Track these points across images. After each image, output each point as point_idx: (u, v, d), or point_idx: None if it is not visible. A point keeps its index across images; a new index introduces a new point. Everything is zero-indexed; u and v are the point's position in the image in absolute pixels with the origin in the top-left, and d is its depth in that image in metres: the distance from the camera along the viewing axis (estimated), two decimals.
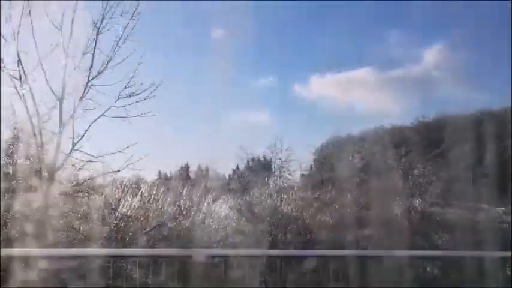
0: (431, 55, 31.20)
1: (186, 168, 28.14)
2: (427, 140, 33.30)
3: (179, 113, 27.71)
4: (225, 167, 25.96)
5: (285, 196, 12.50)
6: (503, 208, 18.94)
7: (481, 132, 26.52)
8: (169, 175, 25.04)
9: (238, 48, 17.99)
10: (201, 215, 10.65)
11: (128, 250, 8.39)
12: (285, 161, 22.68)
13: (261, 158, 26.29)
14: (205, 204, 11.15)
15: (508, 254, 7.45)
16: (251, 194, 13.18)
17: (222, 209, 12.00)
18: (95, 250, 8.19)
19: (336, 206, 12.37)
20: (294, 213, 11.79)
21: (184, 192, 11.08)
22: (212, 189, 15.59)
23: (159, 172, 26.01)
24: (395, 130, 31.97)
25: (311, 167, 26.70)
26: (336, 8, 22.35)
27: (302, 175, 24.08)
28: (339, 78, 30.85)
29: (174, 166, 24.31)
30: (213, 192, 14.62)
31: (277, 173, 22.19)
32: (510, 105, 22.80)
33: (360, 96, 31.59)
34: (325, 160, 27.59)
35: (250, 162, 27.48)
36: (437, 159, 29.78)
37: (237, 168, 27.30)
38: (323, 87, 31.83)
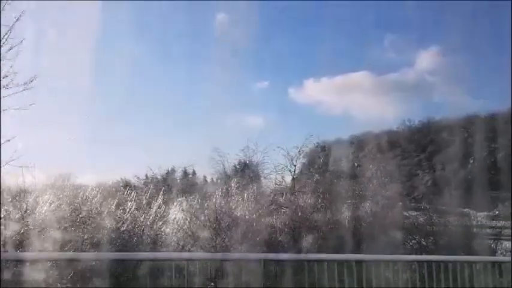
0: (426, 59, 31.15)
1: (172, 172, 28.40)
2: (414, 144, 33.20)
3: (173, 116, 28.18)
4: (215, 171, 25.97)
5: (240, 199, 12.54)
6: (486, 212, 18.65)
7: (468, 137, 26.34)
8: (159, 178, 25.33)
9: (235, 52, 18.27)
10: (147, 218, 10.72)
11: (129, 254, 8.47)
12: (256, 164, 22.82)
13: (247, 161, 26.42)
14: (154, 208, 11.21)
15: (508, 259, 7.41)
16: (212, 197, 13.21)
17: (172, 212, 12.06)
18: (96, 254, 8.36)
19: (287, 209, 12.40)
20: (246, 216, 11.83)
21: (132, 196, 11.14)
22: (177, 193, 15.75)
23: (146, 175, 26.38)
24: (383, 134, 31.95)
25: (301, 170, 26.75)
26: (333, 12, 22.50)
27: (293, 178, 24.11)
28: (334, 82, 30.99)
29: (161, 169, 24.50)
30: (177, 196, 14.77)
31: (250, 175, 22.30)
32: (510, 106, 22.59)
33: (354, 100, 31.67)
34: (311, 164, 27.59)
35: (237, 166, 27.58)
36: (423, 162, 29.66)
37: (224, 171, 27.32)
38: (318, 91, 32.05)
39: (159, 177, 22.91)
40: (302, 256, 7.97)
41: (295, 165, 19.42)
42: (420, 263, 7.25)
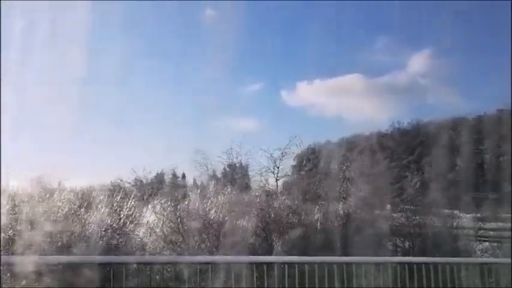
0: (418, 62, 31.21)
1: (160, 174, 28.34)
2: (404, 146, 33.11)
3: (165, 118, 28.21)
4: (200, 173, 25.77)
5: (214, 200, 12.49)
6: (474, 214, 18.54)
7: (456, 139, 26.28)
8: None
9: (227, 54, 18.28)
10: (113, 221, 10.67)
11: (124, 257, 8.38)
12: (245, 166, 22.80)
13: (237, 164, 26.36)
14: (124, 211, 11.15)
15: (508, 260, 7.37)
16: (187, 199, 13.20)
17: (146, 215, 12.01)
18: (97, 257, 8.28)
19: (262, 211, 12.32)
20: (220, 219, 11.78)
21: (102, 199, 11.08)
22: (158, 196, 15.65)
23: (135, 179, 26.27)
24: (373, 136, 31.90)
25: (292, 172, 26.74)
26: (325, 14, 22.52)
27: (276, 180, 24.05)
28: (326, 85, 31.08)
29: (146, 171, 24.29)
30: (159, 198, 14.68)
31: (235, 177, 22.29)
32: (510, 107, 22.58)
33: (346, 103, 31.77)
34: (300, 166, 27.53)
35: (227, 168, 27.52)
36: (411, 164, 29.55)
37: (214, 173, 27.23)
38: (311, 93, 32.20)
39: (143, 180, 22.82)
40: (291, 258, 7.90)
41: (278, 167, 19.43)
42: (407, 264, 7.18)
